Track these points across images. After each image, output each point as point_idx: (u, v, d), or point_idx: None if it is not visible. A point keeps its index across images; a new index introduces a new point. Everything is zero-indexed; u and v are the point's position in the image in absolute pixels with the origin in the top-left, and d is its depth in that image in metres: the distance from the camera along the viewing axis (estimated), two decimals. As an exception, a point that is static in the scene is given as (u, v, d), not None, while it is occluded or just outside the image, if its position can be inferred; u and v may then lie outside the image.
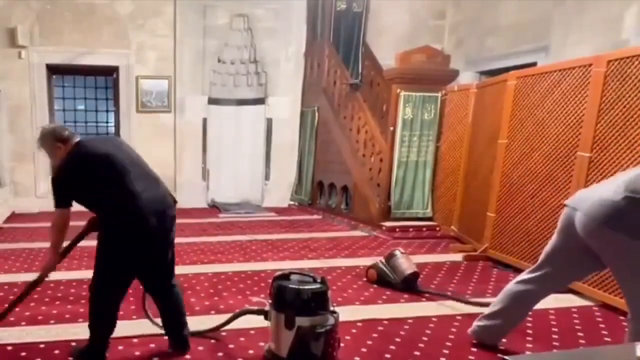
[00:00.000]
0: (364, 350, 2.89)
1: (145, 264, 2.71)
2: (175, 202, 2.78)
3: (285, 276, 2.72)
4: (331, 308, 2.63)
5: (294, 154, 8.32)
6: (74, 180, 2.59)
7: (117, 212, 2.56)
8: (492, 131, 4.82)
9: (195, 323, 3.27)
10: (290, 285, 2.60)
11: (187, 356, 2.81)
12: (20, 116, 7.39)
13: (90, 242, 5.76)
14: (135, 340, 3.01)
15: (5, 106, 7.23)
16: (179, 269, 4.47)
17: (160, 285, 2.84)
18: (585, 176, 3.67)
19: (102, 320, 2.66)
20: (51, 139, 2.66)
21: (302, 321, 2.51)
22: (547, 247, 2.62)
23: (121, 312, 3.41)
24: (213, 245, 5.41)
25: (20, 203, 7.45)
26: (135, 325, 3.24)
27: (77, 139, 2.69)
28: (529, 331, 3.17)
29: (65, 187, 2.61)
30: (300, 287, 2.58)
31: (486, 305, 3.42)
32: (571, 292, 3.70)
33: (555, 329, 3.23)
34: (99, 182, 2.56)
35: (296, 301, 2.55)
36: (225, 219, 7.04)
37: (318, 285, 2.61)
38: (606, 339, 3.09)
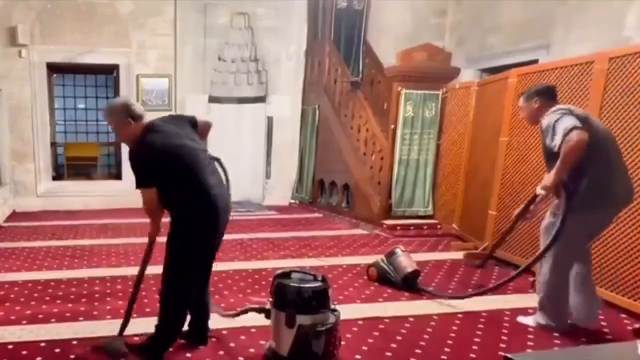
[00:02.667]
0: (364, 348, 2.88)
1: (209, 255, 2.75)
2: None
3: (286, 274, 2.71)
4: (332, 306, 2.62)
5: (294, 153, 8.32)
6: (149, 169, 2.56)
7: (191, 203, 2.57)
8: (494, 129, 4.80)
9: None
10: (291, 284, 2.59)
11: (188, 354, 2.81)
12: (21, 115, 7.39)
13: (89, 242, 5.75)
14: (136, 339, 3.01)
15: (6, 105, 7.23)
16: (179, 268, 4.50)
17: (204, 279, 2.85)
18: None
19: (177, 313, 2.69)
20: (122, 113, 2.59)
21: (303, 319, 2.50)
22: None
23: (122, 311, 3.44)
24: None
25: (20, 202, 7.46)
26: (136, 324, 3.24)
27: (147, 119, 2.66)
28: (530, 329, 3.16)
29: (144, 170, 2.57)
30: (301, 285, 2.57)
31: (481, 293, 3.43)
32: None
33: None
34: (173, 175, 2.56)
35: (297, 299, 2.53)
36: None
37: (319, 284, 2.60)
38: (607, 337, 3.08)
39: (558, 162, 2.77)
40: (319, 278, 2.65)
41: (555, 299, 3.08)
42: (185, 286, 2.65)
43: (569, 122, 2.71)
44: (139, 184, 2.57)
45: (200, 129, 2.81)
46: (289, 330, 2.52)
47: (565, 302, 3.08)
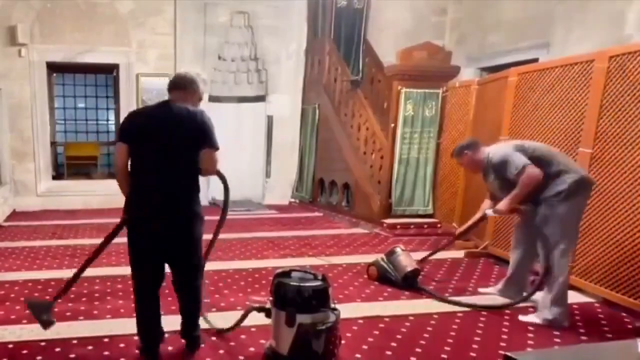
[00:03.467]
0: (365, 347, 2.88)
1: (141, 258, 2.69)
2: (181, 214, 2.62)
3: (286, 273, 2.70)
4: (332, 305, 2.61)
5: (294, 152, 8.31)
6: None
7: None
8: (494, 128, 4.80)
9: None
10: (291, 283, 2.58)
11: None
12: (21, 114, 7.38)
13: (90, 241, 5.75)
14: (136, 338, 3.00)
15: (6, 104, 7.22)
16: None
17: (177, 281, 2.83)
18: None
19: (137, 312, 2.77)
20: (198, 84, 2.69)
21: (303, 318, 2.49)
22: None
23: (122, 310, 3.45)
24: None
25: (20, 201, 7.46)
26: (126, 324, 3.23)
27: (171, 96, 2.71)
28: (531, 327, 3.16)
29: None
30: (301, 284, 2.56)
31: (485, 308, 3.44)
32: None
33: (557, 326, 3.22)
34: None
35: (297, 298, 2.52)
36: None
37: (319, 283, 2.59)
38: (607, 335, 3.08)
39: (514, 192, 3.18)
40: (319, 277, 2.64)
41: (567, 286, 3.18)
42: (134, 279, 2.72)
43: (520, 159, 3.12)
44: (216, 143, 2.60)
45: (203, 158, 2.58)
46: (289, 329, 2.51)
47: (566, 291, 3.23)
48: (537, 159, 3.15)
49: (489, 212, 3.44)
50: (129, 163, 2.58)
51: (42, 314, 2.78)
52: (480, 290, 3.87)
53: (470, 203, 5.46)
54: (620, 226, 3.44)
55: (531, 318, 3.24)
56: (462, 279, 4.23)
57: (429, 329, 3.15)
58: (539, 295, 3.32)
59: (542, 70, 4.24)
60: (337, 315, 2.59)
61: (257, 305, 2.88)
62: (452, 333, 3.10)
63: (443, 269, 4.54)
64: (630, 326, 3.23)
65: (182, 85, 2.65)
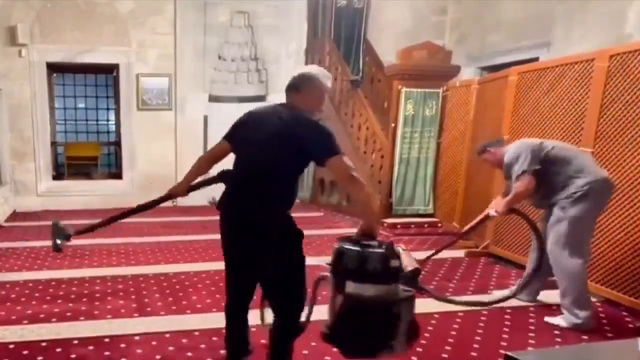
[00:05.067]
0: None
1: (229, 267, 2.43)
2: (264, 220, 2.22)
3: (347, 238, 2.22)
4: (401, 285, 2.19)
5: (295, 151, 8.30)
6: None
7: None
8: (494, 127, 4.80)
9: (196, 321, 3.28)
10: (344, 246, 2.12)
11: (189, 353, 2.81)
12: (21, 114, 7.38)
13: (90, 241, 5.75)
14: (137, 337, 3.01)
15: (6, 104, 7.22)
16: (181, 267, 4.52)
17: (232, 299, 2.49)
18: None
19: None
20: (316, 83, 2.30)
21: (353, 287, 2.03)
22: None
23: (122, 310, 3.45)
24: (214, 243, 5.37)
25: (21, 202, 7.45)
26: (137, 323, 3.24)
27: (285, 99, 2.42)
28: (532, 327, 3.16)
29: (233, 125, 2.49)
30: (353, 247, 2.10)
31: (486, 304, 3.43)
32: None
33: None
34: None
35: (348, 263, 2.07)
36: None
37: (378, 250, 2.13)
38: (609, 334, 3.08)
39: (509, 197, 3.29)
40: (384, 245, 2.17)
41: (583, 288, 3.13)
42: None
43: (523, 164, 3.15)
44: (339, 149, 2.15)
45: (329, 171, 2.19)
46: (337, 299, 2.08)
47: (588, 291, 3.21)
48: (553, 159, 3.13)
49: (492, 212, 3.44)
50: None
51: (58, 237, 2.77)
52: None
53: (471, 202, 5.46)
54: (621, 225, 3.43)
55: (558, 320, 3.18)
56: (462, 279, 4.22)
57: (430, 328, 3.15)
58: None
59: (542, 69, 4.24)
60: (405, 297, 2.16)
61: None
62: (453, 332, 3.10)
63: (444, 268, 4.54)
64: (631, 326, 3.23)
65: (294, 86, 2.31)
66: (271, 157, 2.16)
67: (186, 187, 2.56)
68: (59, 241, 2.77)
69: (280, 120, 2.19)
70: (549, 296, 3.55)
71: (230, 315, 2.49)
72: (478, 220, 3.63)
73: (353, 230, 2.24)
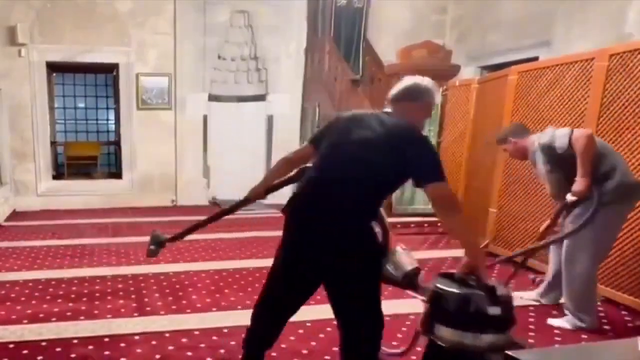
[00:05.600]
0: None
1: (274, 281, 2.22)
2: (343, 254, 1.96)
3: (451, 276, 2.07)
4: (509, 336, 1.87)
5: (295, 151, 8.30)
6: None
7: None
8: (494, 126, 4.78)
9: (196, 320, 3.28)
10: (444, 287, 1.95)
11: (189, 353, 2.81)
12: (21, 114, 7.38)
13: (90, 241, 5.74)
14: (137, 337, 3.01)
15: (6, 104, 7.21)
16: (181, 267, 4.52)
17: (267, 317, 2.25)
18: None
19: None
20: (432, 97, 2.17)
21: (443, 331, 1.87)
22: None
23: (122, 310, 3.45)
24: (214, 242, 5.40)
25: (21, 201, 7.45)
26: (137, 323, 3.24)
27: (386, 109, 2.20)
28: (531, 326, 3.16)
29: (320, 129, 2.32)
30: (456, 290, 1.90)
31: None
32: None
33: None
34: None
35: (447, 306, 1.90)
36: (226, 216, 7.03)
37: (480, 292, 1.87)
38: (609, 334, 3.08)
39: (580, 162, 2.83)
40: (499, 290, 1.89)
41: (591, 295, 3.09)
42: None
43: (563, 132, 2.92)
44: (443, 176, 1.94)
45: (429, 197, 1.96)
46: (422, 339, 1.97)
47: (595, 297, 3.16)
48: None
49: (569, 197, 2.93)
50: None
51: (152, 244, 2.72)
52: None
53: (471, 202, 5.46)
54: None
55: (561, 322, 3.15)
56: (462, 278, 4.22)
57: (430, 328, 3.15)
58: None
59: (542, 68, 4.23)
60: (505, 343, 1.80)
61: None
62: (453, 332, 3.09)
63: (444, 267, 4.54)
64: (631, 325, 3.23)
65: (408, 95, 2.14)
66: (367, 164, 1.94)
67: (265, 188, 2.44)
68: (152, 247, 2.71)
69: (384, 128, 1.98)
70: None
71: (260, 322, 2.26)
72: (556, 214, 3.17)
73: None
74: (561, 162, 2.96)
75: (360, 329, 2.02)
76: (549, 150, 3.00)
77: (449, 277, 2.00)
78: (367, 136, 1.98)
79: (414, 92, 2.15)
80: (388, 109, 2.16)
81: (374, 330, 2.03)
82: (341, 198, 1.94)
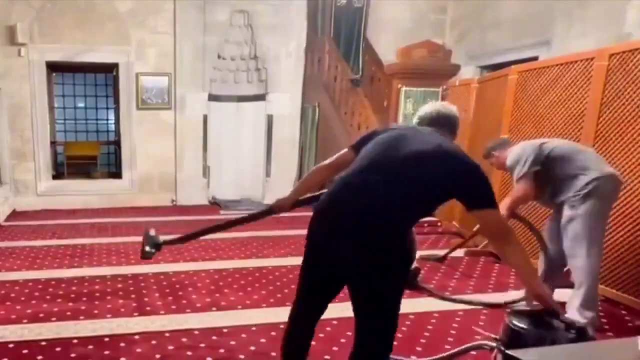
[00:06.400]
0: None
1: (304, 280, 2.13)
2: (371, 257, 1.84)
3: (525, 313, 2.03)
4: None
5: (294, 150, 8.30)
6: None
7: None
8: (494, 126, 4.79)
9: (195, 320, 3.28)
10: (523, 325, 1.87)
11: (189, 353, 2.81)
12: (21, 114, 7.37)
13: (90, 240, 5.74)
14: (137, 337, 3.01)
15: (6, 104, 7.21)
16: (180, 267, 4.52)
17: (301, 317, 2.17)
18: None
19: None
20: (458, 125, 2.14)
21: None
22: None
23: (122, 310, 3.45)
24: (214, 242, 5.40)
25: (21, 201, 7.45)
26: (137, 323, 3.24)
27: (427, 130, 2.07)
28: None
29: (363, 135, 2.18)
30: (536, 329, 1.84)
31: (488, 305, 3.43)
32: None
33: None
34: None
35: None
36: (226, 216, 7.04)
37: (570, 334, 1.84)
38: (608, 333, 3.08)
39: (509, 201, 3.21)
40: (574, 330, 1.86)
41: (595, 291, 3.10)
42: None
43: (523, 167, 3.12)
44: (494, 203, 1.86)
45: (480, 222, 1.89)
46: None
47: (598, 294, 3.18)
48: (555, 159, 3.10)
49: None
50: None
51: (147, 245, 2.68)
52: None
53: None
54: (621, 224, 3.43)
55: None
56: (462, 278, 4.22)
57: (430, 327, 3.16)
58: (564, 295, 3.26)
59: (542, 68, 4.23)
60: None
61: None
62: (453, 332, 3.10)
63: (443, 267, 4.54)
64: (630, 324, 3.23)
65: (441, 122, 2.07)
66: (417, 177, 1.84)
67: (293, 202, 2.32)
68: (147, 248, 2.66)
69: (440, 146, 1.89)
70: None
71: (295, 323, 2.19)
72: (470, 236, 3.65)
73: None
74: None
75: (376, 333, 1.98)
76: (511, 172, 3.26)
77: (524, 314, 1.94)
78: (422, 149, 1.89)
79: (444, 119, 2.09)
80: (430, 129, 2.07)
81: (390, 335, 1.99)
82: (383, 205, 1.84)
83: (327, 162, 2.23)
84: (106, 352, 2.80)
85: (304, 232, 2.16)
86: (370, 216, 1.83)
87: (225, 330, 3.09)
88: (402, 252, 1.87)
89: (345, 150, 2.18)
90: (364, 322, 1.99)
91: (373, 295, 1.91)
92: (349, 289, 1.98)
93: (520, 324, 1.87)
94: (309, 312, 2.16)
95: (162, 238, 2.74)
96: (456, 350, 2.59)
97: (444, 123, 2.07)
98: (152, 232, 2.75)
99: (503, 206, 3.24)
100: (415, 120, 2.15)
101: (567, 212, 3.09)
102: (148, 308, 3.51)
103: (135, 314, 3.40)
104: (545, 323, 1.84)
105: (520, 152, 3.20)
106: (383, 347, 1.98)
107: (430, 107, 2.14)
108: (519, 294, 3.54)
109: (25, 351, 2.81)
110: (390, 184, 1.85)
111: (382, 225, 1.82)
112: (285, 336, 2.20)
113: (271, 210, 2.37)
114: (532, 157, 3.10)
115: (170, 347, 2.87)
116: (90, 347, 2.87)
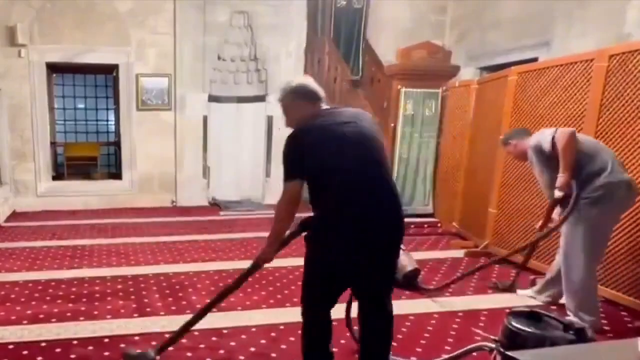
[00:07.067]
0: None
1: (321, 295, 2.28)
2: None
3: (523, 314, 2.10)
4: None
5: (294, 151, 8.29)
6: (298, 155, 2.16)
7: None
8: (493, 127, 4.80)
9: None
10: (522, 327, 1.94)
11: (189, 354, 2.81)
12: (21, 115, 7.37)
13: (90, 241, 5.73)
14: (137, 338, 3.01)
15: (6, 105, 7.21)
16: (180, 267, 4.52)
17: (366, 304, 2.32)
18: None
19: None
20: (291, 93, 2.29)
21: None
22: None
23: (122, 311, 3.45)
24: (214, 243, 5.40)
25: (21, 202, 7.45)
26: (137, 324, 3.24)
27: (324, 106, 2.29)
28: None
29: (294, 158, 2.17)
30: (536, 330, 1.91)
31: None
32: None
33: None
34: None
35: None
36: (226, 217, 7.04)
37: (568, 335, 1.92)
38: (608, 334, 3.08)
39: (561, 161, 2.97)
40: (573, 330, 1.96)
41: (591, 295, 3.08)
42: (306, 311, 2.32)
43: (550, 133, 3.04)
44: (284, 176, 2.18)
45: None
46: None
47: (597, 297, 3.14)
48: (579, 153, 2.98)
49: (556, 192, 3.08)
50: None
51: None
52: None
53: (470, 202, 5.47)
54: (621, 225, 3.43)
55: None
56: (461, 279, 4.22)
57: (429, 328, 3.16)
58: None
59: (542, 69, 4.24)
60: None
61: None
62: (453, 332, 3.10)
63: (443, 268, 4.54)
64: (630, 325, 3.23)
65: (320, 94, 2.31)
66: (378, 150, 2.15)
67: (276, 250, 2.36)
68: None
69: (357, 117, 2.21)
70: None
71: (321, 324, 2.31)
72: (548, 210, 3.30)
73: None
74: (550, 162, 3.08)
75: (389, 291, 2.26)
76: (538, 150, 3.12)
77: (522, 314, 2.01)
78: (357, 129, 2.13)
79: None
80: (325, 105, 2.29)
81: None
82: (386, 186, 2.13)
83: (292, 205, 2.24)
84: (106, 353, 2.80)
85: (305, 233, 2.17)
86: (391, 203, 2.12)
87: (225, 331, 3.09)
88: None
89: (296, 181, 2.17)
90: (385, 299, 2.24)
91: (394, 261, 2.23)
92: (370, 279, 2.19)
93: (519, 325, 1.92)
94: (331, 305, 2.30)
95: (152, 352, 2.55)
96: (456, 353, 2.60)
97: (320, 93, 2.28)
98: (134, 352, 2.59)
99: (561, 178, 3.03)
100: (298, 97, 2.27)
101: (573, 213, 3.01)
102: (148, 309, 3.51)
103: (135, 315, 3.40)
104: (541, 322, 1.88)
105: (543, 131, 3.17)
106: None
107: (307, 82, 2.32)
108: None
109: (25, 352, 2.81)
110: (382, 170, 2.14)
111: (399, 202, 2.15)
112: (313, 329, 2.32)
113: (257, 265, 2.38)
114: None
115: (170, 348, 2.86)
116: (90, 348, 2.87)
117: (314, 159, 2.11)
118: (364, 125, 2.17)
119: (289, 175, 2.18)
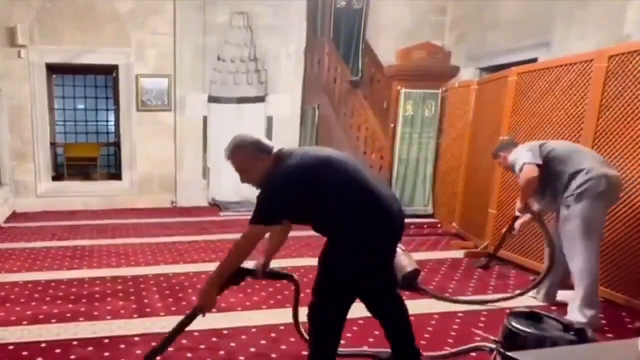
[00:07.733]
0: (365, 347, 2.88)
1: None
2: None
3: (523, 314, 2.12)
4: None
5: (294, 152, 8.30)
6: (297, 194, 2.14)
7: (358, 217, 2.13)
8: (493, 128, 4.80)
9: (196, 321, 3.26)
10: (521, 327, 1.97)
11: (189, 354, 2.81)
12: (20, 115, 7.38)
13: (90, 242, 5.74)
14: (137, 338, 3.01)
15: (6, 105, 7.22)
16: (180, 268, 4.52)
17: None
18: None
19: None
20: (252, 149, 2.40)
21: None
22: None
23: (122, 311, 3.45)
24: (214, 244, 5.40)
25: (20, 202, 7.45)
26: (137, 324, 3.24)
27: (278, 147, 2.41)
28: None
29: (281, 202, 2.16)
30: (536, 331, 1.94)
31: (483, 302, 3.44)
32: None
33: (557, 326, 3.22)
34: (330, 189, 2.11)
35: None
36: (225, 218, 7.04)
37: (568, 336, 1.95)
38: (608, 335, 3.08)
39: (520, 193, 3.38)
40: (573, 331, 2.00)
41: (595, 289, 3.11)
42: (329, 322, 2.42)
43: (523, 158, 3.23)
44: (258, 220, 2.17)
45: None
46: None
47: (598, 293, 3.19)
48: (554, 159, 3.17)
49: (516, 211, 3.55)
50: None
51: None
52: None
53: (470, 203, 5.47)
54: (621, 225, 3.43)
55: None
56: (462, 279, 4.22)
57: (429, 329, 3.15)
58: (567, 297, 3.28)
59: (541, 70, 4.24)
60: None
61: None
62: (453, 333, 3.10)
63: (443, 269, 4.54)
64: (630, 326, 3.23)
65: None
66: (364, 166, 2.39)
67: (218, 294, 2.41)
68: None
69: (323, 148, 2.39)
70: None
71: (339, 330, 2.42)
72: (512, 221, 3.75)
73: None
74: None
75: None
76: (511, 168, 3.39)
77: (522, 315, 2.04)
78: (335, 151, 2.31)
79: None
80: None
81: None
82: (391, 193, 2.37)
83: (252, 247, 2.28)
84: (106, 354, 2.80)
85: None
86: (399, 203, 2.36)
87: (225, 331, 3.09)
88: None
89: (268, 227, 2.25)
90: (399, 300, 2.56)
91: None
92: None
93: (519, 325, 1.94)
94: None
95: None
96: (455, 350, 2.60)
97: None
98: None
99: (518, 202, 3.44)
100: (258, 150, 2.47)
101: (562, 212, 3.15)
102: (148, 309, 3.51)
103: (135, 315, 3.40)
104: (540, 323, 1.91)
105: (520, 149, 3.34)
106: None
107: (259, 136, 2.60)
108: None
109: (25, 353, 2.81)
110: (379, 176, 2.38)
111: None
112: (335, 330, 2.40)
113: (200, 313, 2.34)
114: (531, 152, 3.22)
115: (170, 349, 2.85)
116: (90, 348, 2.87)
117: (326, 180, 2.12)
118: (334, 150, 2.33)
119: (265, 218, 2.14)
